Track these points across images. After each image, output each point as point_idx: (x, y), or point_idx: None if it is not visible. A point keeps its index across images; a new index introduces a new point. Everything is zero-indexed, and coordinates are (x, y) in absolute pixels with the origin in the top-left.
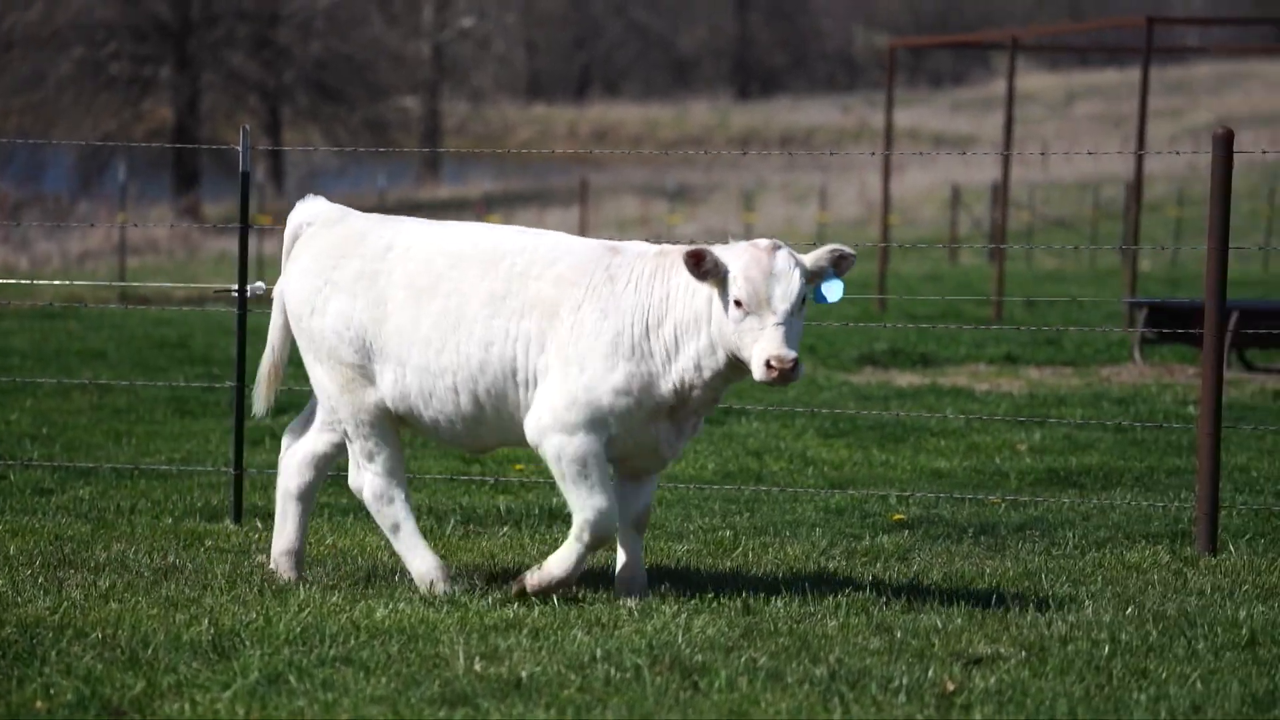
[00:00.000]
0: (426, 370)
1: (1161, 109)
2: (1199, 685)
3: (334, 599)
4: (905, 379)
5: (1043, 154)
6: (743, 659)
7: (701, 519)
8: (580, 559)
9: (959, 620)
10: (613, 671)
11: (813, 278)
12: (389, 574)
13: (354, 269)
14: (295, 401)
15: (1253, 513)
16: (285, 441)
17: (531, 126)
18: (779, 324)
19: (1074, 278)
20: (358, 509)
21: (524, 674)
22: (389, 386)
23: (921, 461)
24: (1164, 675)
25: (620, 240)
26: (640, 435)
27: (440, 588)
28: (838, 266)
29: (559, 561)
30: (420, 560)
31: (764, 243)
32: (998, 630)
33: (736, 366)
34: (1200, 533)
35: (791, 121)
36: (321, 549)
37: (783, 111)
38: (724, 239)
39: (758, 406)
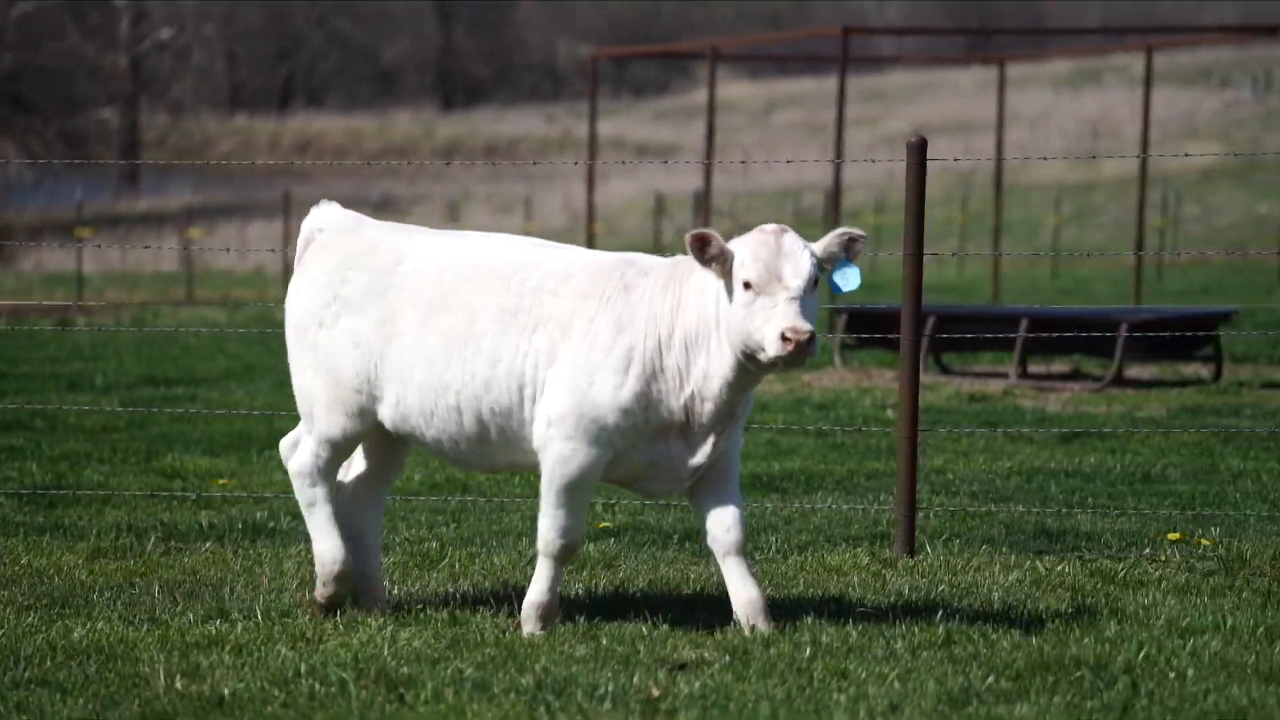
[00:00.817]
0: (428, 388)
1: (859, 117)
2: (897, 684)
3: (29, 619)
4: None
5: (743, 162)
6: (449, 670)
7: (408, 530)
8: (555, 576)
9: (664, 626)
10: (318, 686)
11: (824, 265)
12: (86, 593)
13: (364, 284)
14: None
15: (949, 514)
16: (284, 449)
17: (233, 138)
18: (792, 298)
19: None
20: (54, 528)
21: (226, 691)
22: (390, 407)
23: None
24: (863, 675)
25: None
26: (649, 454)
27: (337, 573)
28: (849, 250)
29: (537, 590)
30: (326, 544)
31: (771, 226)
32: (702, 635)
33: (744, 369)
34: (899, 535)
35: (496, 132)
36: (16, 568)
37: (487, 122)
38: None
39: None
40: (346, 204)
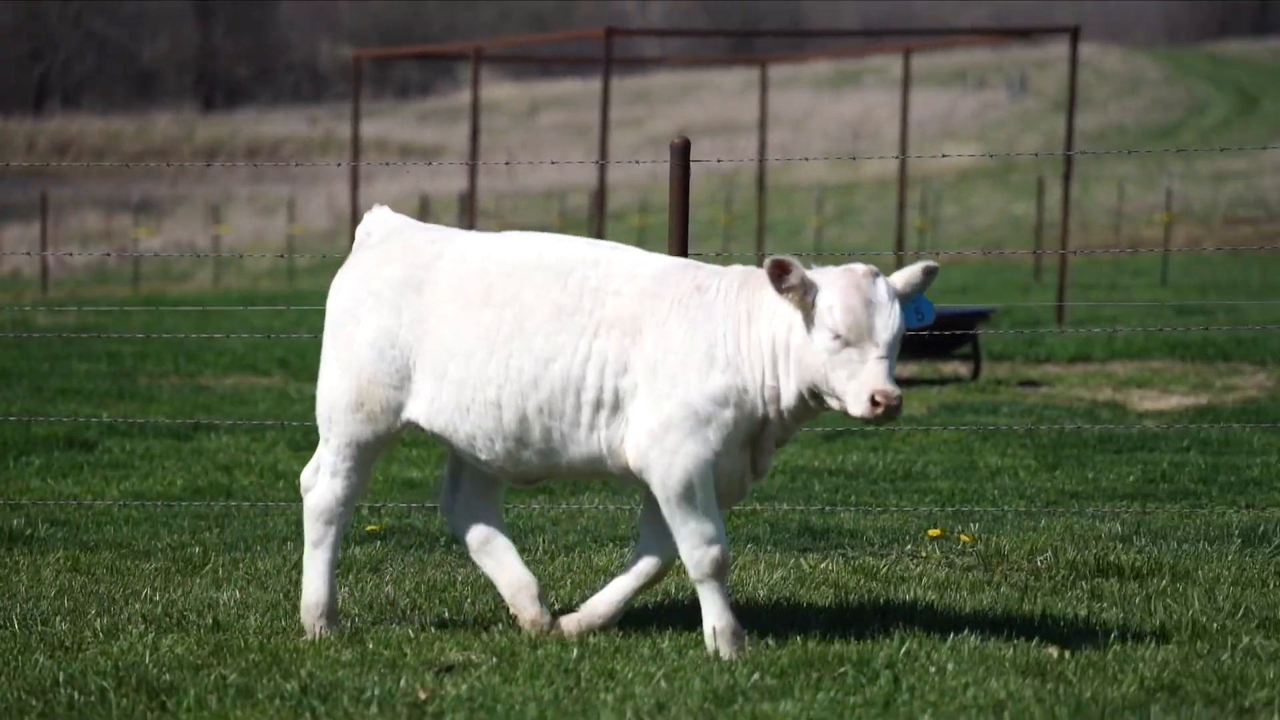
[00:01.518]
0: (465, 382)
1: (624, 118)
2: (664, 684)
3: None
4: None
5: (508, 164)
6: (212, 677)
7: (170, 536)
8: (723, 596)
9: (431, 629)
10: (77, 696)
11: (905, 299)
12: None
13: (398, 278)
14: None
15: None
16: (443, 495)
17: None
18: (882, 357)
19: None
20: None
21: None
22: (424, 404)
23: (394, 471)
24: (630, 675)
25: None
26: (732, 463)
27: (319, 624)
28: (927, 283)
29: (715, 616)
30: (316, 589)
31: (861, 268)
32: (469, 637)
33: (805, 404)
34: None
35: (258, 133)
36: None
37: (249, 123)
38: (194, 251)
39: (226, 421)
40: (106, 206)
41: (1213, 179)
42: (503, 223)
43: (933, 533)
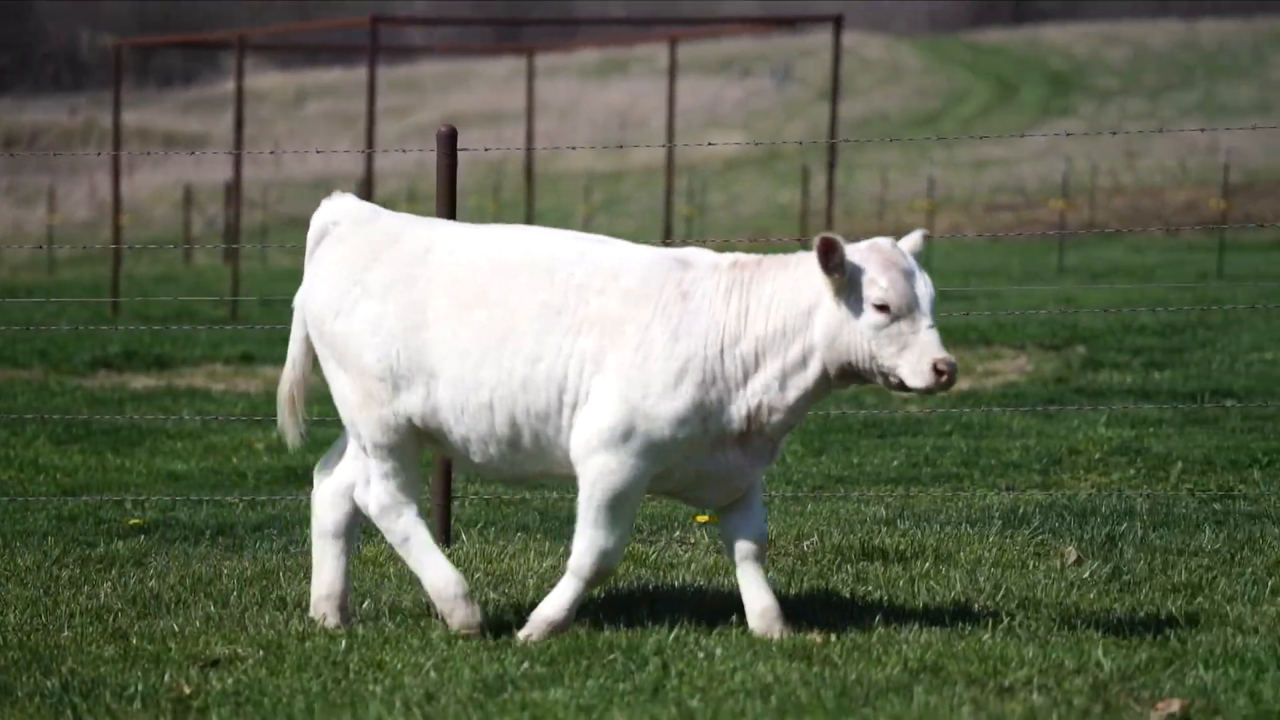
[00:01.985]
0: (460, 384)
1: (391, 107)
2: (433, 674)
3: None
4: (141, 381)
5: (274, 153)
6: None
7: None
8: (578, 597)
9: (196, 623)
10: None
11: None
12: None
13: (388, 272)
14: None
15: (484, 502)
16: (317, 478)
17: None
18: (932, 325)
19: None
20: None
21: None
22: (418, 401)
23: (158, 464)
24: (399, 666)
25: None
26: (706, 465)
27: (457, 595)
28: (921, 250)
29: (554, 605)
30: (435, 572)
31: (885, 241)
32: (235, 631)
33: (827, 382)
34: (435, 523)
35: (16, 122)
36: None
37: (7, 112)
38: None
39: None
40: None
41: (973, 166)
42: (269, 213)
43: (700, 519)
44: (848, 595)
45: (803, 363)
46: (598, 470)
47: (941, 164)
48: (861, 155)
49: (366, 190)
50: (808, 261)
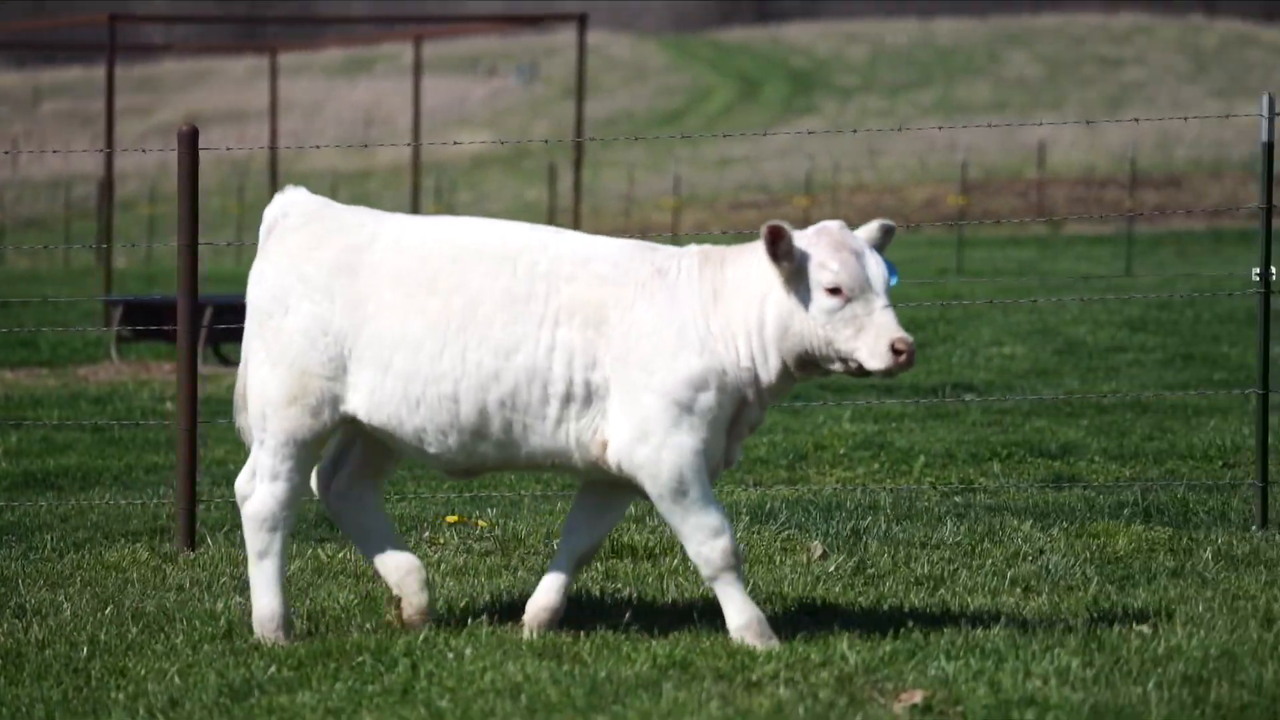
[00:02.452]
0: (415, 376)
1: (131, 107)
2: (177, 679)
3: None
4: None
5: (9, 153)
6: None
7: None
8: (739, 589)
9: None
10: None
11: None
12: None
13: (331, 263)
14: None
15: (230, 505)
16: (321, 488)
17: None
18: (887, 305)
19: (49, 278)
20: None
21: None
22: (364, 396)
23: None
24: (143, 672)
25: None
26: (720, 443)
27: (276, 636)
28: (883, 243)
29: (733, 616)
30: (268, 601)
31: (833, 224)
32: None
33: (788, 376)
34: (179, 528)
35: None
36: None
37: None
38: None
39: None
40: None
41: (718, 164)
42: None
43: (450, 519)
44: (598, 593)
45: (763, 353)
46: (650, 468)
47: (687, 162)
48: (608, 153)
49: (107, 190)
50: (758, 249)
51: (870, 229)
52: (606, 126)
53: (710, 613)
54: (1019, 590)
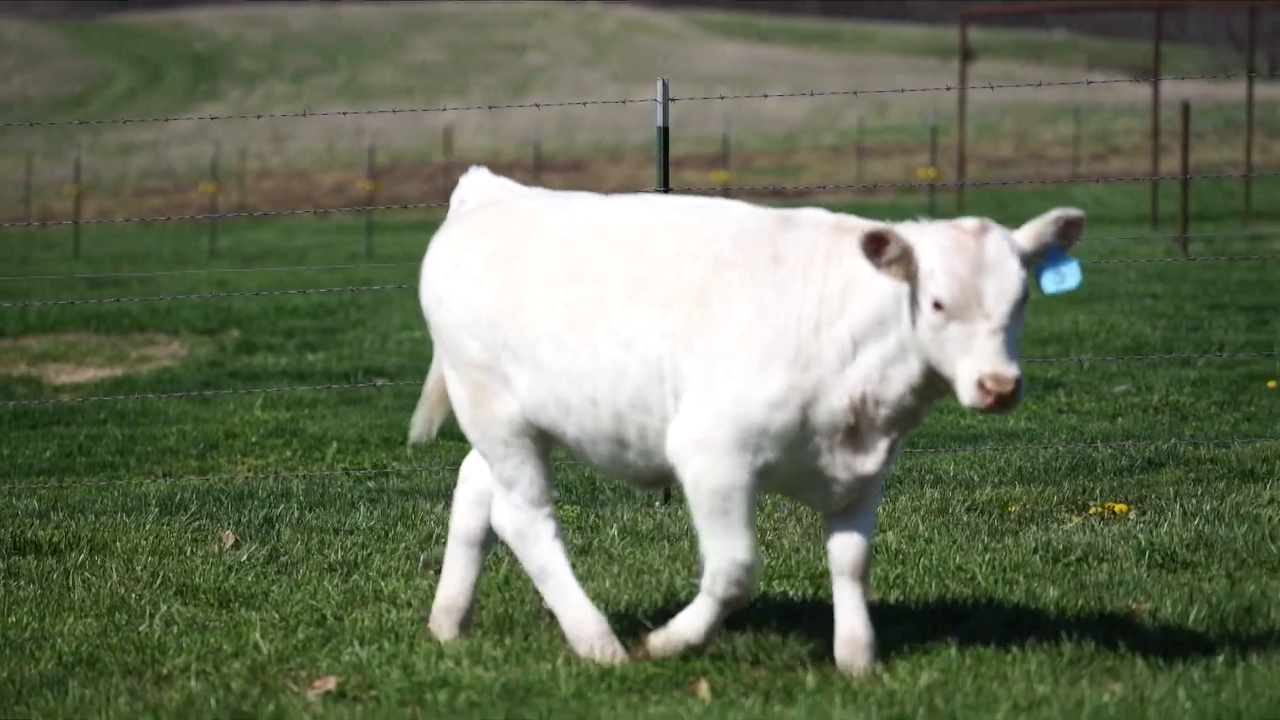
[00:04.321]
0: (563, 374)
1: None
2: None
3: None
4: None
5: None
6: None
7: None
8: (715, 618)
9: None
10: None
11: (1032, 260)
12: None
13: (487, 250)
14: None
15: None
16: (460, 481)
17: None
18: (994, 331)
19: None
20: None
21: None
22: (524, 393)
23: None
24: None
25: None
26: (809, 462)
27: (600, 648)
28: (1065, 238)
29: (687, 622)
30: (574, 613)
31: (969, 223)
32: None
33: (934, 382)
34: None
35: None
36: None
37: None
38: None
39: None
40: None
41: (121, 150)
42: None
43: None
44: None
45: (902, 355)
46: (696, 472)
47: (88, 149)
48: (4, 141)
49: None
50: (925, 232)
51: (1040, 224)
52: (2, 112)
53: (119, 607)
54: (432, 573)
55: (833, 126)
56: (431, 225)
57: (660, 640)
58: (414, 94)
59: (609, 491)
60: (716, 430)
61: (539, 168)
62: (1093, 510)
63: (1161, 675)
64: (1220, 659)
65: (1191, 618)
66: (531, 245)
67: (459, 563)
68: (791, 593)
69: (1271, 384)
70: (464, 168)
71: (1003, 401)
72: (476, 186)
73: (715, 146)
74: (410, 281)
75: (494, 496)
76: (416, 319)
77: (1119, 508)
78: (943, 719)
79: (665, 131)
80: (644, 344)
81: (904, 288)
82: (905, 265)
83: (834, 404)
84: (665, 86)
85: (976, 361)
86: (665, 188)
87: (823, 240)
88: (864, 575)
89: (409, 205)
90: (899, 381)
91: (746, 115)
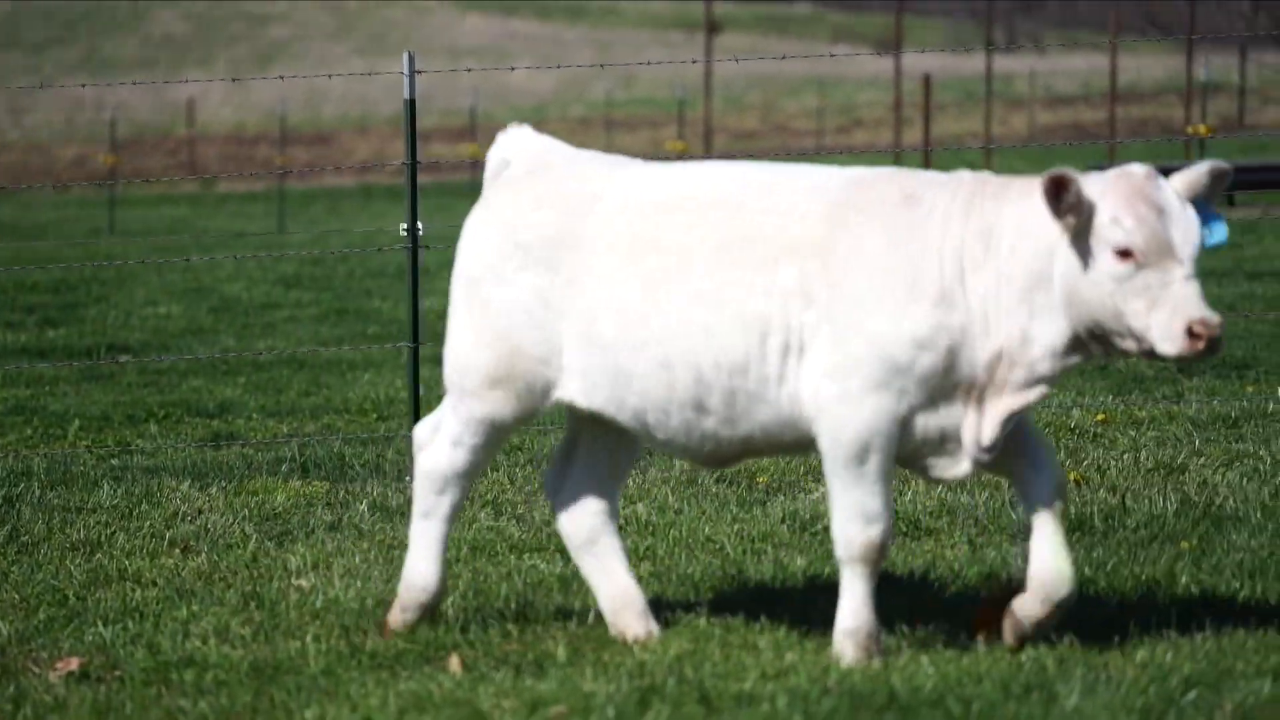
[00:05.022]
0: (625, 344)
1: None
2: None
3: None
4: None
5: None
6: None
7: None
8: (866, 585)
9: None
10: None
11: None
12: None
13: (551, 229)
14: None
15: None
16: (553, 497)
17: None
18: (1189, 276)
19: None
20: None
21: None
22: (578, 377)
23: None
24: None
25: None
26: (942, 417)
27: (422, 601)
28: (1214, 190)
29: (849, 611)
30: (422, 566)
31: (1138, 169)
32: None
33: (1079, 344)
34: None
35: None
36: None
37: None
38: None
39: None
40: None
41: None
42: None
43: None
44: None
45: (1048, 312)
46: (834, 422)
47: None
48: None
49: None
50: (1092, 182)
51: (1195, 174)
52: None
53: None
54: (178, 551)
55: (581, 99)
56: (176, 199)
57: (846, 648)
58: (156, 66)
59: (358, 467)
60: (858, 372)
61: (285, 140)
62: None
63: (905, 641)
64: (962, 624)
65: (934, 581)
66: (600, 220)
67: (606, 563)
68: (543, 566)
69: None
70: (209, 141)
71: (1212, 346)
72: (521, 146)
73: (463, 119)
74: (154, 256)
75: (442, 433)
76: (162, 294)
77: None
78: (692, 689)
79: (412, 104)
80: (741, 301)
81: (1061, 241)
82: (1080, 214)
83: (977, 356)
84: (411, 59)
85: (1180, 308)
86: (413, 160)
87: (963, 188)
88: (1062, 513)
89: (152, 179)
90: (1040, 343)
91: (495, 88)
